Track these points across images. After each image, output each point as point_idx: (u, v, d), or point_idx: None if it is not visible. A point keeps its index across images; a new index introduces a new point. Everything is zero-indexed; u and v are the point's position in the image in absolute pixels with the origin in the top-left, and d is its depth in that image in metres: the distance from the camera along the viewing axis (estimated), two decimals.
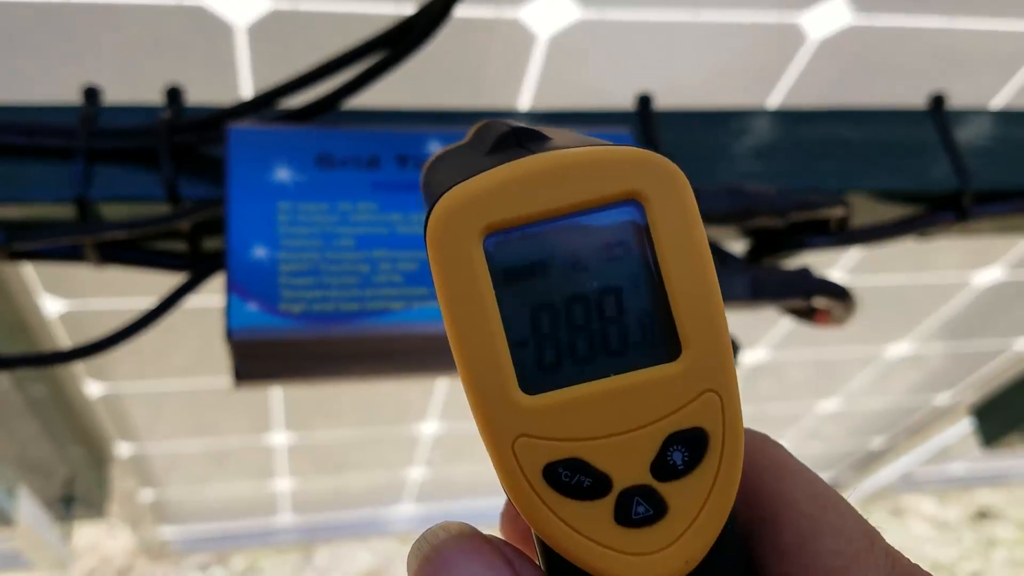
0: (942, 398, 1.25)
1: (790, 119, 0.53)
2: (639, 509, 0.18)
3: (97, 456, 1.00)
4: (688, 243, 0.18)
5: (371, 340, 0.40)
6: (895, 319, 1.02)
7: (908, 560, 0.20)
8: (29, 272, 0.73)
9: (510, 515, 0.22)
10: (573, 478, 0.18)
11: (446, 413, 1.11)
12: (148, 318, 0.45)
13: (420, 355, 0.41)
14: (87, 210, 0.45)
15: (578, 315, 0.19)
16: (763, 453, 0.21)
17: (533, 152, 0.19)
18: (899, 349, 1.09)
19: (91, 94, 0.47)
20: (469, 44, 0.57)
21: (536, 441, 0.18)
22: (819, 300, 0.48)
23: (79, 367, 0.87)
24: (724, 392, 0.18)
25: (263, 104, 0.45)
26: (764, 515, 0.20)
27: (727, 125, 0.51)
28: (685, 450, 0.18)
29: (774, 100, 0.64)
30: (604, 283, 0.19)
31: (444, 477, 1.32)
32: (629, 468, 0.18)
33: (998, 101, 0.69)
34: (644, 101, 0.51)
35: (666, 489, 0.18)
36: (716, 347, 0.18)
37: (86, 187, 0.45)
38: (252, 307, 0.39)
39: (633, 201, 0.19)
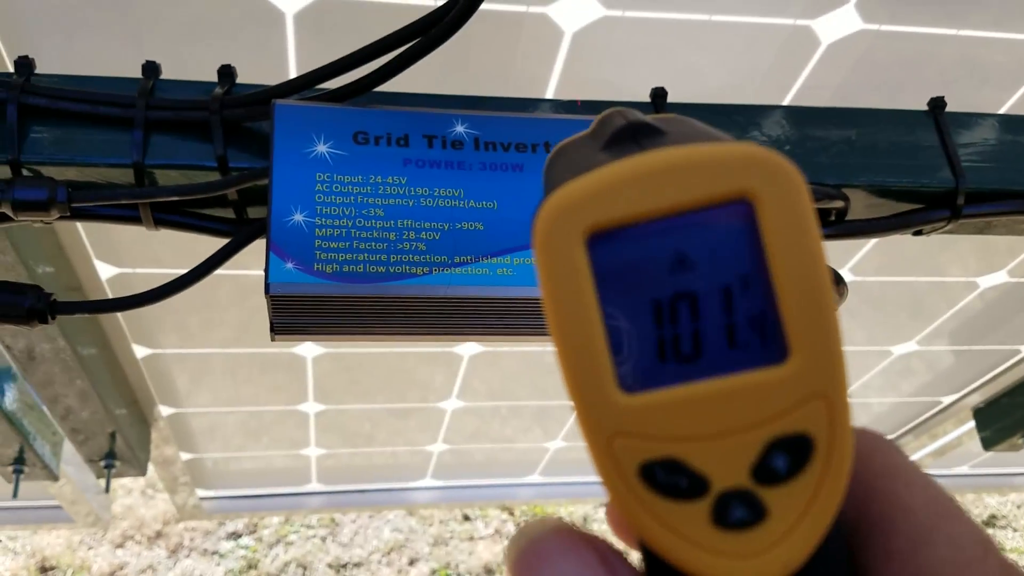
0: (947, 399, 1.27)
1: (796, 115, 0.56)
2: (737, 512, 0.18)
3: (139, 417, 1.06)
4: (801, 243, 0.18)
5: (395, 300, 0.44)
6: (904, 320, 1.05)
7: (1022, 571, 0.19)
8: (84, 240, 0.78)
9: (616, 511, 0.22)
10: (669, 478, 0.18)
11: (464, 392, 1.15)
12: (193, 275, 0.50)
13: (439, 317, 0.45)
14: (143, 175, 0.50)
15: (678, 317, 0.18)
16: (879, 454, 0.20)
17: (646, 148, 0.19)
18: (906, 349, 1.12)
19: (150, 68, 0.52)
20: (500, 37, 0.61)
21: (633, 440, 0.18)
22: None
23: (127, 331, 0.93)
24: (833, 398, 0.18)
25: (307, 84, 0.49)
26: (875, 518, 0.19)
27: (734, 119, 0.55)
28: (788, 456, 0.18)
29: (785, 99, 0.68)
30: (709, 284, 0.18)
31: (464, 454, 1.37)
32: (728, 471, 0.18)
33: (999, 108, 0.72)
34: (658, 95, 0.54)
35: (766, 494, 0.18)
36: (826, 351, 0.18)
37: (143, 154, 0.49)
38: (289, 266, 0.43)
39: (743, 200, 0.18)
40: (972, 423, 1.21)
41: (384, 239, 0.44)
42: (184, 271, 0.50)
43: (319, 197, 0.45)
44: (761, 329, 0.18)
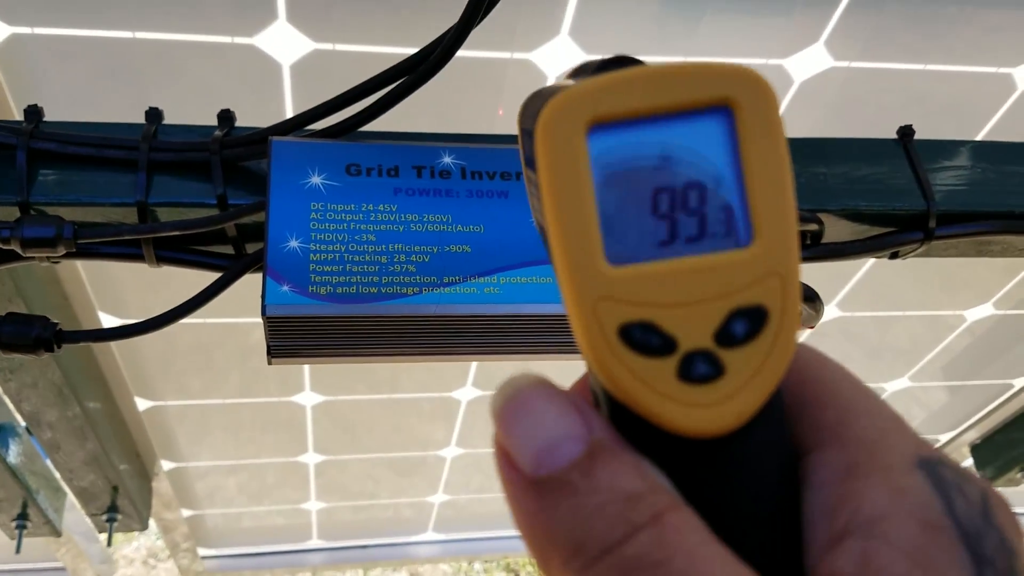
0: (944, 437, 1.28)
1: None
2: (700, 369, 0.20)
3: (141, 471, 1.06)
4: (772, 147, 0.20)
5: (387, 319, 0.46)
6: (895, 356, 1.06)
7: (927, 440, 0.22)
8: (89, 290, 0.80)
9: (578, 387, 0.25)
10: (644, 337, 0.20)
11: (462, 440, 1.16)
12: (190, 304, 0.52)
13: (429, 336, 0.47)
14: (146, 214, 0.52)
15: (662, 203, 0.21)
16: (811, 354, 0.23)
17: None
18: (900, 385, 1.13)
19: (153, 114, 0.54)
20: (485, 82, 0.64)
21: (615, 304, 0.20)
22: None
23: (129, 385, 0.94)
24: (787, 276, 0.21)
25: (301, 124, 0.52)
26: (807, 398, 0.22)
27: None
28: (746, 323, 0.20)
29: None
30: (690, 176, 0.21)
31: (465, 505, 1.37)
32: (694, 334, 0.20)
33: (966, 137, 0.74)
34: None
35: (725, 355, 0.20)
36: (785, 237, 0.20)
37: (146, 193, 0.52)
38: (285, 288, 0.45)
39: (725, 107, 0.21)
40: (970, 460, 1.21)
41: (376, 262, 0.46)
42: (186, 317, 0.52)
43: (314, 224, 0.47)
44: (733, 217, 0.21)
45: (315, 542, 1.38)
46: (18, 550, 0.99)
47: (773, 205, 0.21)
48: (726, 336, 0.20)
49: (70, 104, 0.64)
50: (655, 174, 0.21)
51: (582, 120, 0.20)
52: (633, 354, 0.20)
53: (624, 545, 0.19)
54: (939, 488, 0.20)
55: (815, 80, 0.66)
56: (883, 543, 0.19)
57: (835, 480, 0.21)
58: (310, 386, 1.00)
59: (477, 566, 2.59)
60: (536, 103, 0.22)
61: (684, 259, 0.21)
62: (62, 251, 0.49)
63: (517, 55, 0.62)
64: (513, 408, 0.21)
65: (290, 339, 0.47)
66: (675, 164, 0.21)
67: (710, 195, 0.21)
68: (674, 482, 0.20)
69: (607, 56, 0.22)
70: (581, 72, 0.23)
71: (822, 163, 0.58)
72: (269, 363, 0.48)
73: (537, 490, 0.20)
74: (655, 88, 0.20)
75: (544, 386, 0.21)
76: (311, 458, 1.15)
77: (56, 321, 0.49)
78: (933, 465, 0.21)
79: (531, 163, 0.23)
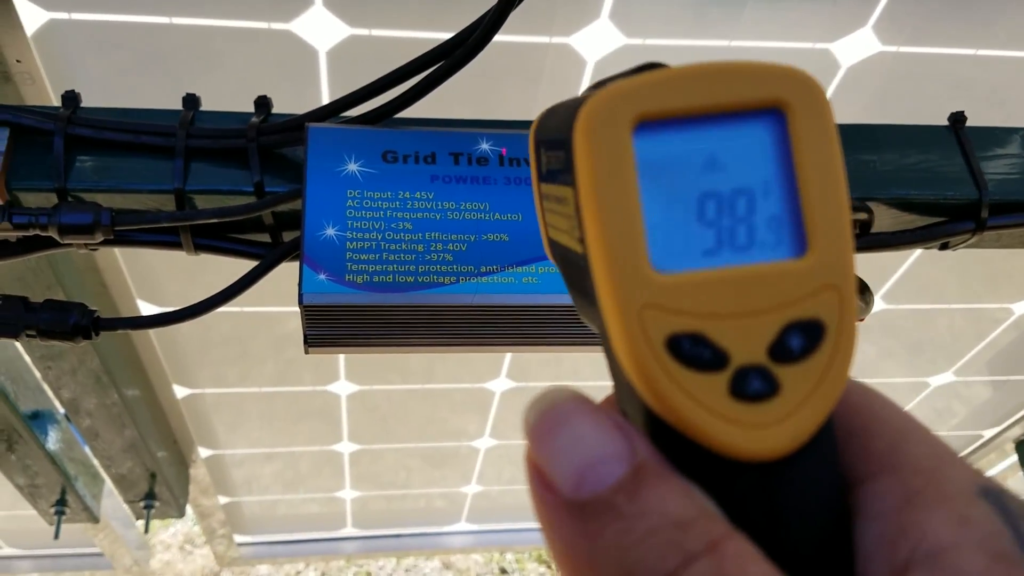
0: (989, 433, 1.25)
1: None
2: (754, 385, 0.19)
3: (178, 459, 1.07)
4: (826, 151, 0.20)
5: (423, 309, 0.45)
6: (939, 349, 1.04)
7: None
8: (128, 278, 0.81)
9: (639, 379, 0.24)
10: (694, 350, 0.19)
11: (496, 431, 1.15)
12: (227, 293, 0.52)
13: (466, 326, 0.47)
14: (184, 201, 0.52)
15: (713, 208, 0.20)
16: (852, 383, 0.22)
17: None
18: (945, 379, 1.10)
19: (190, 100, 0.54)
20: (524, 67, 0.63)
21: (662, 313, 0.19)
22: None
23: (168, 373, 0.95)
24: (844, 290, 0.19)
25: (338, 110, 0.51)
26: (855, 427, 0.21)
27: None
28: (803, 337, 0.19)
29: None
30: (742, 181, 0.20)
31: (497, 496, 1.36)
32: (747, 347, 0.19)
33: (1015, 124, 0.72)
34: None
35: (780, 371, 0.19)
36: (842, 248, 0.19)
37: (184, 180, 0.51)
38: (322, 277, 0.44)
39: (776, 109, 0.20)
40: (1015, 457, 1.18)
41: (412, 251, 0.46)
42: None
43: (350, 212, 0.46)
44: (785, 225, 0.20)
45: (349, 530, 1.38)
46: (56, 535, 1.00)
47: (829, 214, 0.20)
48: (781, 351, 0.19)
49: (106, 91, 0.64)
50: (702, 178, 0.20)
51: (628, 117, 0.19)
52: (681, 367, 0.19)
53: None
54: (1007, 518, 0.19)
55: (862, 65, 0.64)
56: (951, 575, 0.18)
57: (893, 510, 0.19)
58: (345, 375, 0.99)
59: (509, 556, 2.59)
60: (560, 113, 0.21)
61: (734, 268, 0.19)
62: (100, 238, 0.49)
63: (556, 39, 0.61)
64: (550, 423, 0.20)
65: (327, 328, 0.46)
66: (723, 168, 0.20)
67: (759, 202, 0.20)
68: (721, 508, 0.19)
69: (638, 64, 0.21)
70: (605, 84, 0.22)
71: (871, 150, 0.56)
72: (306, 352, 0.48)
73: (577, 514, 0.19)
74: (705, 86, 0.19)
75: (582, 401, 0.20)
76: (346, 447, 1.15)
77: (94, 308, 0.49)
78: (997, 495, 0.19)
79: (553, 176, 0.22)
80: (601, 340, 0.21)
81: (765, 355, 0.19)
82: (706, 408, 0.19)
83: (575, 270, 0.22)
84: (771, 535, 0.19)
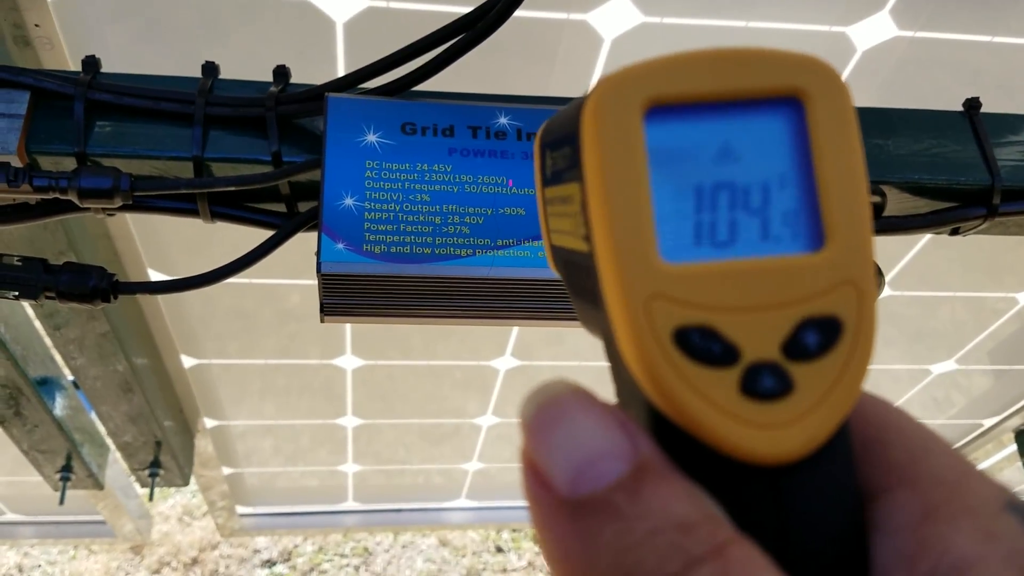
0: (988, 422, 1.26)
1: None
2: (766, 383, 0.18)
3: (184, 428, 1.08)
4: (845, 143, 0.19)
5: (440, 280, 0.46)
6: (941, 338, 1.04)
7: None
8: (139, 247, 0.81)
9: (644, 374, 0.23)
10: (703, 343, 0.18)
11: (499, 409, 1.16)
12: (243, 261, 0.52)
13: (482, 299, 0.47)
14: (202, 168, 0.52)
15: (727, 198, 0.19)
16: (865, 392, 0.21)
17: None
18: (945, 367, 1.11)
19: (209, 68, 0.54)
20: (541, 43, 0.63)
21: (671, 304, 0.18)
22: None
23: (176, 342, 0.95)
24: (863, 286, 0.18)
25: (357, 81, 0.52)
26: (871, 437, 0.20)
27: None
28: (819, 334, 0.18)
29: None
30: (757, 174, 0.19)
31: (496, 474, 1.37)
32: (760, 343, 0.18)
33: None
34: None
35: (795, 369, 0.18)
36: (860, 243, 0.19)
37: (202, 148, 0.52)
38: (340, 246, 0.45)
39: (794, 99, 0.19)
40: (1014, 446, 1.19)
41: (430, 222, 0.46)
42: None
43: (369, 183, 0.47)
44: (802, 218, 0.19)
45: (350, 504, 1.39)
46: (62, 501, 1.01)
47: (848, 208, 0.19)
48: (796, 347, 0.18)
49: (123, 58, 0.64)
50: (716, 167, 0.19)
51: (639, 100, 0.18)
52: (689, 362, 0.18)
53: None
54: None
55: (878, 49, 0.64)
56: None
57: (913, 524, 0.18)
58: (351, 350, 1.00)
59: (505, 535, 2.61)
60: (566, 111, 0.21)
61: (747, 260, 0.19)
62: (118, 203, 0.50)
63: (574, 16, 0.61)
64: (547, 417, 0.18)
65: (343, 296, 0.46)
66: (738, 157, 0.19)
67: (775, 193, 0.19)
68: (728, 513, 0.18)
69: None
70: None
71: (884, 134, 0.57)
72: (322, 320, 0.48)
73: (574, 513, 0.18)
74: (721, 72, 0.19)
75: (582, 394, 0.19)
76: (349, 421, 1.15)
77: (113, 272, 0.49)
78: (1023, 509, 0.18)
79: (559, 176, 0.21)
80: (605, 342, 0.20)
81: (779, 351, 0.18)
82: (714, 406, 0.18)
83: (579, 272, 0.21)
84: (780, 544, 0.18)
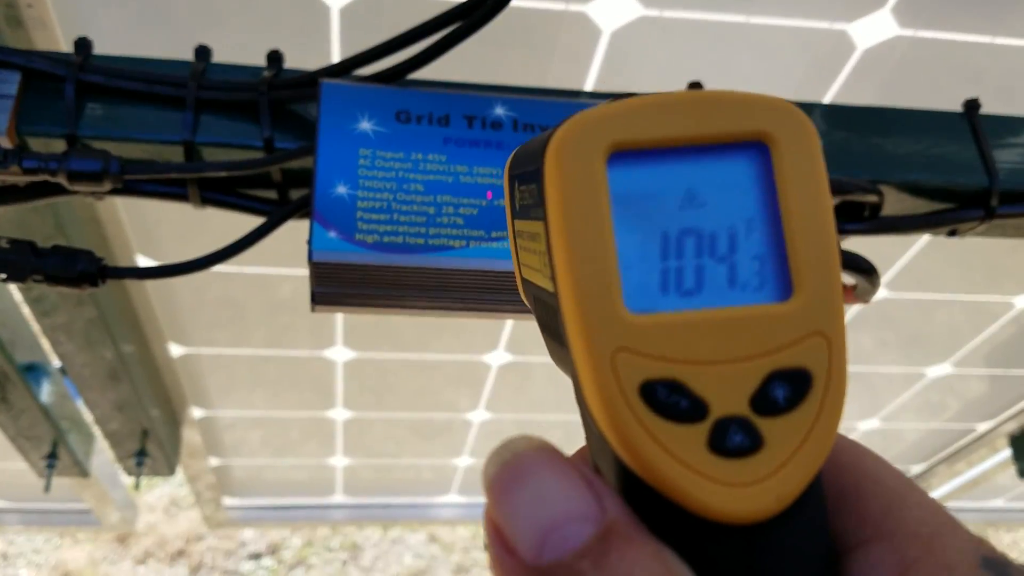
0: (983, 426, 1.26)
1: (831, 114, 0.57)
2: (735, 439, 0.17)
3: (171, 418, 1.07)
4: (812, 188, 0.18)
5: (432, 272, 0.45)
6: (936, 341, 1.04)
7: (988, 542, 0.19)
8: (129, 232, 0.80)
9: (576, 459, 0.21)
10: (670, 398, 0.18)
11: (491, 404, 1.15)
12: (233, 248, 0.51)
13: (475, 291, 0.46)
14: (193, 152, 0.51)
15: (691, 247, 0.19)
16: (840, 436, 0.21)
17: None
18: (940, 371, 1.11)
19: (202, 52, 0.53)
20: (539, 35, 0.63)
21: (637, 357, 0.18)
22: (845, 275, 0.51)
23: (164, 330, 0.94)
24: (832, 337, 0.18)
25: (351, 67, 0.51)
26: (845, 487, 0.20)
27: None
28: (788, 388, 0.18)
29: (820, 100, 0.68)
30: (723, 221, 0.19)
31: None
32: (728, 398, 0.18)
33: None
34: (694, 86, 0.55)
35: (764, 424, 0.18)
36: (829, 292, 0.18)
37: (193, 132, 0.51)
38: (332, 235, 0.44)
39: (759, 143, 0.19)
40: (1008, 451, 1.19)
41: (424, 213, 0.45)
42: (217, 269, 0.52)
43: (362, 171, 0.46)
44: (769, 266, 0.19)
45: (339, 498, 1.39)
46: (47, 488, 1.00)
47: (815, 256, 0.18)
48: (764, 402, 0.18)
49: (116, 41, 0.63)
50: (680, 213, 0.19)
51: (602, 145, 0.18)
52: (656, 417, 0.17)
53: None
54: None
55: (878, 48, 0.64)
56: None
57: None
58: (342, 341, 0.99)
59: None
60: (533, 144, 0.20)
61: (714, 311, 0.18)
62: (108, 187, 0.49)
63: (572, 7, 0.60)
64: (511, 477, 0.18)
65: (334, 286, 0.46)
66: (703, 203, 0.19)
67: (742, 240, 0.19)
68: (697, 574, 0.17)
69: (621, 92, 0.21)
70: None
71: (882, 133, 0.56)
72: (312, 310, 0.47)
73: None
74: (684, 116, 0.18)
75: (548, 452, 0.18)
76: (339, 414, 1.15)
77: (101, 256, 0.48)
78: (1000, 567, 0.18)
79: (526, 211, 0.20)
80: (574, 386, 0.19)
81: (747, 406, 0.18)
82: (682, 463, 0.17)
83: (547, 311, 0.20)
84: None
